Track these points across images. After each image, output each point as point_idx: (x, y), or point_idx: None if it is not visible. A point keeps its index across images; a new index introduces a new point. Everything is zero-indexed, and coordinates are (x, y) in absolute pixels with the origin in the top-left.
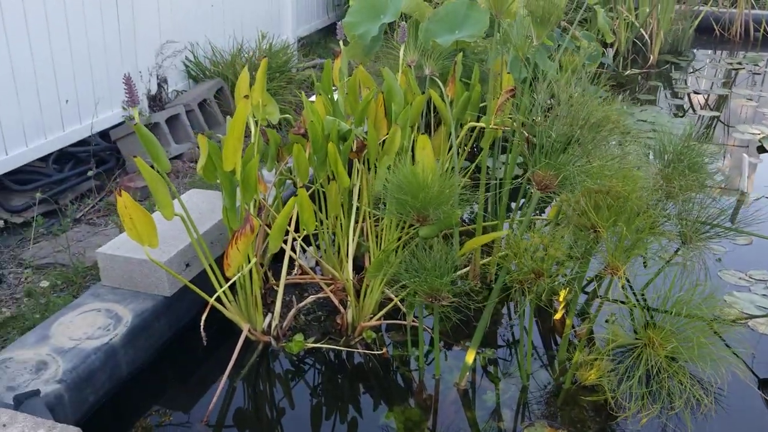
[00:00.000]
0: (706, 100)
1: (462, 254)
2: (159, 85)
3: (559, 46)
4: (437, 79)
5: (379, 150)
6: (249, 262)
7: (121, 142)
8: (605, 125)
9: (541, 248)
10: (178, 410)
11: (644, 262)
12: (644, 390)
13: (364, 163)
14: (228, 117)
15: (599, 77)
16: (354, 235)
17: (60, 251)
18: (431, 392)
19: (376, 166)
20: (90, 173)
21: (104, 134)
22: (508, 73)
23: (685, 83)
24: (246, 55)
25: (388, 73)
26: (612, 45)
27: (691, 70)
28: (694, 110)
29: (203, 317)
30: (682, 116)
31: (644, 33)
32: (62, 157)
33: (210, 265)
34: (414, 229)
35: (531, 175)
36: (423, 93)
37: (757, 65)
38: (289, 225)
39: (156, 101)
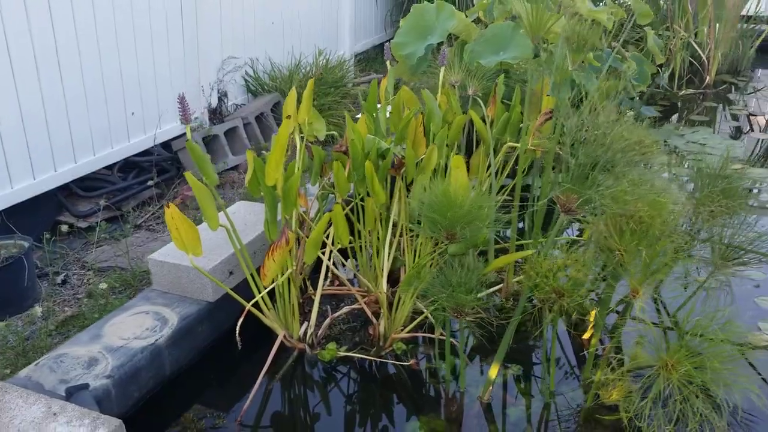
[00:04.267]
0: (767, 122)
1: (489, 271)
2: (219, 99)
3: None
4: (479, 100)
5: (417, 168)
6: (286, 272)
7: (181, 152)
8: (630, 150)
9: (564, 269)
10: (216, 409)
11: (684, 286)
12: (659, 411)
13: (403, 180)
14: None
15: (653, 98)
16: (391, 249)
17: (120, 255)
18: (456, 405)
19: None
20: (150, 183)
21: (166, 145)
22: (548, 95)
23: (743, 104)
24: (303, 71)
25: (427, 95)
26: (668, 65)
27: (750, 91)
28: (751, 132)
29: (239, 322)
30: (737, 138)
31: (701, 52)
32: (127, 165)
33: (251, 274)
34: (445, 245)
35: (555, 197)
36: (466, 113)
37: None
38: (329, 238)
39: (216, 114)
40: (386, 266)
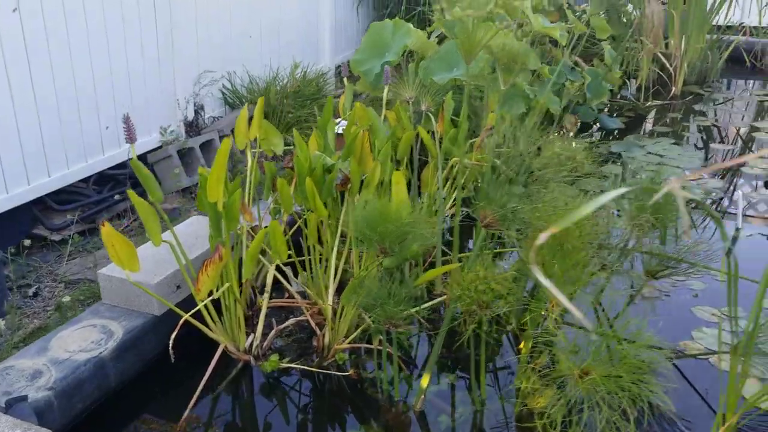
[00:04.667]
0: (727, 134)
1: (419, 284)
2: (196, 112)
3: (567, 80)
4: (431, 116)
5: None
6: (223, 286)
7: (157, 165)
8: (554, 165)
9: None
10: (158, 420)
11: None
12: (574, 418)
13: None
14: None
15: (620, 109)
16: (339, 261)
17: (90, 268)
18: (392, 414)
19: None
20: (117, 197)
21: (142, 157)
22: (492, 111)
23: (706, 115)
24: (281, 83)
25: (371, 112)
26: (636, 77)
27: (720, 102)
28: (711, 143)
29: (173, 336)
30: (698, 149)
31: (667, 64)
32: (102, 178)
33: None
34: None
35: (474, 212)
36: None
37: None
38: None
39: (193, 127)
40: (333, 278)
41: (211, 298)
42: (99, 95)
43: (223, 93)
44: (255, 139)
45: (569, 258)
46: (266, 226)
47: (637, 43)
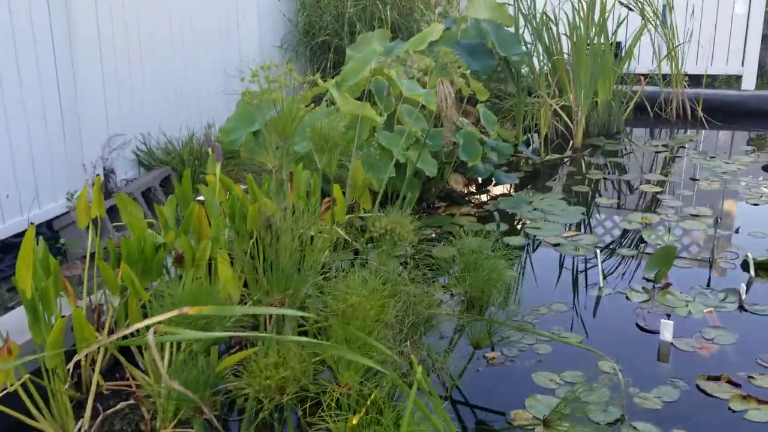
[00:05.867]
0: (614, 186)
1: (221, 369)
2: (106, 176)
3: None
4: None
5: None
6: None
7: (63, 231)
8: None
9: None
10: None
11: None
12: None
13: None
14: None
15: (518, 165)
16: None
17: None
18: None
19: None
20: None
21: (49, 224)
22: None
23: (600, 168)
24: (198, 143)
25: (204, 189)
26: (538, 131)
27: (617, 154)
28: (598, 196)
29: None
30: (575, 204)
31: (566, 118)
32: (5, 247)
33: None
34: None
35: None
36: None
37: (684, 147)
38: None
39: (102, 191)
40: (161, 359)
41: (5, 391)
42: None
43: (137, 155)
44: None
45: (354, 343)
46: (65, 315)
47: (539, 98)
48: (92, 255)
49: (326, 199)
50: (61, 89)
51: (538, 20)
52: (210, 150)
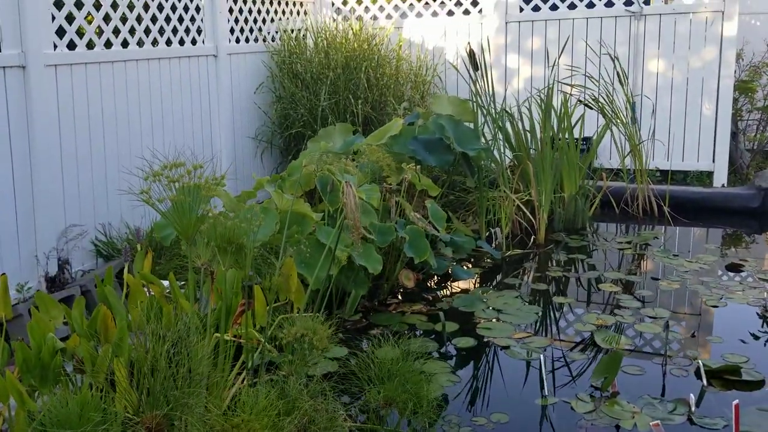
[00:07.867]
0: (575, 284)
1: None
2: (60, 267)
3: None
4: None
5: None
6: None
7: (10, 324)
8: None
9: None
10: None
11: None
12: None
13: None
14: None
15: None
16: None
17: None
18: None
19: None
20: None
21: None
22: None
23: (560, 266)
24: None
25: (110, 292)
26: (500, 227)
27: (583, 251)
28: (555, 296)
29: None
30: (531, 303)
31: (529, 214)
32: None
33: None
34: None
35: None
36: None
37: (648, 244)
38: None
39: (56, 282)
40: None
41: None
42: None
43: (96, 245)
44: None
45: None
46: None
47: (503, 193)
48: None
49: (241, 302)
50: (16, 183)
51: (496, 116)
52: (138, 246)
